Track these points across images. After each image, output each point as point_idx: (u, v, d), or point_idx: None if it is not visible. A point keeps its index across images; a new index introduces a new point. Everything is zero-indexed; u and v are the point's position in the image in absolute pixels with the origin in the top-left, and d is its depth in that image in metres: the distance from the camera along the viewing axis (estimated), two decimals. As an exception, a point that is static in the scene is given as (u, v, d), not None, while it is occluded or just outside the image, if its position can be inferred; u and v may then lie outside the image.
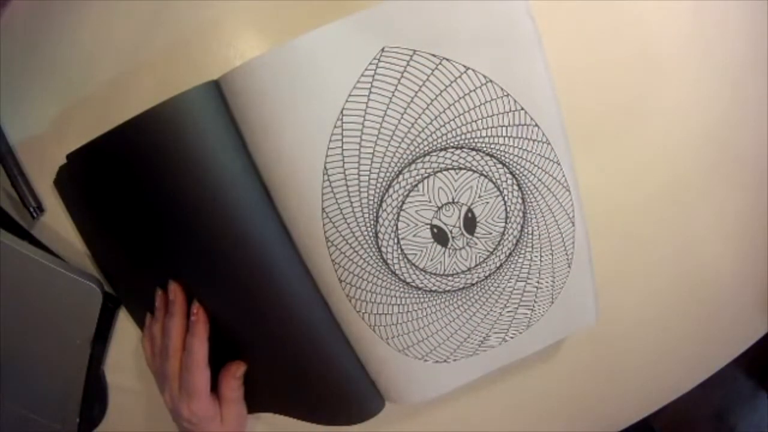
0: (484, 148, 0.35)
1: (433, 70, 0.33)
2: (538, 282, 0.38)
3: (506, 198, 0.36)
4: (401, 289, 0.37)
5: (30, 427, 0.43)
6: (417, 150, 0.34)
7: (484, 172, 0.35)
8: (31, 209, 0.40)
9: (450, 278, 0.37)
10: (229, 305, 0.38)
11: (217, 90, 0.34)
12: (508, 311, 0.39)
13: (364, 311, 0.37)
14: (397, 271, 0.36)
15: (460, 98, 0.34)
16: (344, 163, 0.34)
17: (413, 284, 0.37)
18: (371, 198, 0.35)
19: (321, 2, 0.37)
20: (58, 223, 0.42)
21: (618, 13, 0.40)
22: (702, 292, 0.46)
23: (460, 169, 0.35)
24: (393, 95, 0.33)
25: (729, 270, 0.47)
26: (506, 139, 0.35)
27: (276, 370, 0.40)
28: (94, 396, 0.45)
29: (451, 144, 0.34)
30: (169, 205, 0.36)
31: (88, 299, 0.41)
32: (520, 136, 0.35)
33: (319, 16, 0.36)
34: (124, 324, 0.44)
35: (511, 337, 0.39)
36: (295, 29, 0.36)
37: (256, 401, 0.43)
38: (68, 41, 0.39)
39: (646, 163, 0.43)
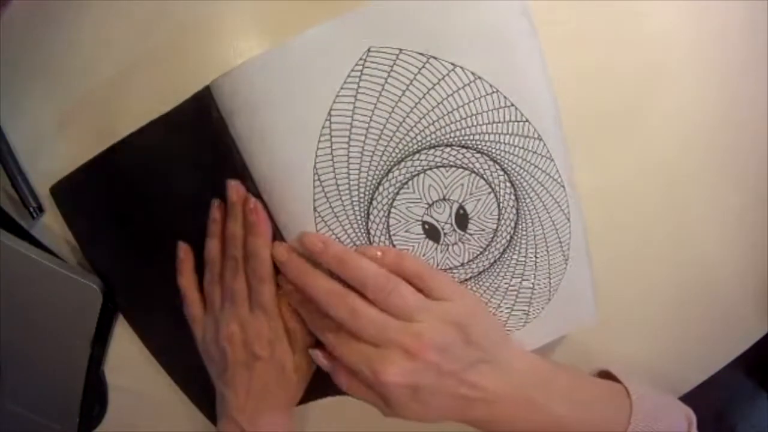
0: (474, 146, 0.35)
1: (420, 69, 0.33)
2: (534, 278, 0.38)
3: (498, 195, 0.36)
4: None
5: (30, 427, 0.43)
6: (406, 148, 0.34)
7: (474, 170, 0.35)
8: (31, 209, 0.40)
9: None
10: None
11: (206, 98, 0.35)
12: (506, 308, 0.39)
13: None
14: None
15: (448, 96, 0.34)
16: (333, 163, 0.34)
17: None
18: (362, 196, 0.35)
19: (320, 2, 0.37)
20: (58, 223, 0.42)
21: (617, 15, 0.40)
22: (702, 292, 0.46)
23: (450, 166, 0.35)
24: (380, 95, 0.33)
25: (729, 270, 0.47)
26: (496, 135, 0.35)
27: None
28: (94, 396, 0.45)
29: (441, 142, 0.34)
30: (163, 214, 0.38)
31: (88, 299, 0.41)
32: (510, 132, 0.35)
33: (318, 16, 0.36)
34: (124, 324, 0.44)
35: (508, 333, 0.39)
36: (295, 29, 0.36)
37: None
38: (68, 41, 0.39)
39: (645, 164, 0.43)
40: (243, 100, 0.33)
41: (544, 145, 0.35)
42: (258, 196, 0.36)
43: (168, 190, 0.38)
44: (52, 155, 0.39)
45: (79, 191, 0.39)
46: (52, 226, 0.42)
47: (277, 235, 0.36)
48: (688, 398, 0.47)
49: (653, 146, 0.42)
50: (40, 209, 0.41)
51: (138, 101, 0.38)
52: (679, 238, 0.45)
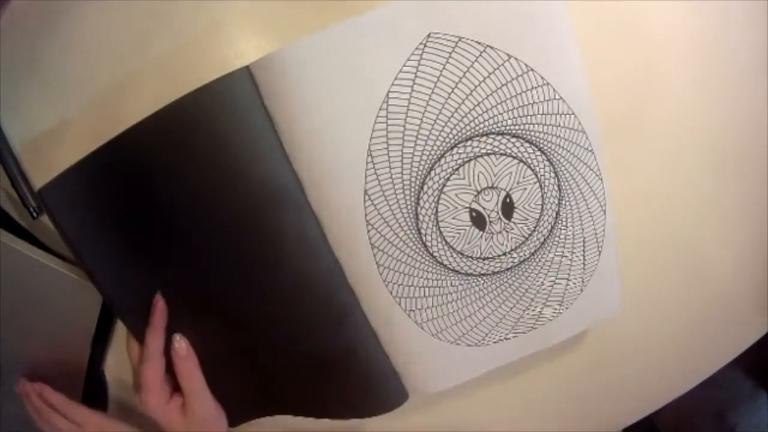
0: (524, 135, 0.36)
1: (477, 57, 0.34)
2: (570, 270, 0.39)
3: (543, 185, 0.37)
4: (438, 272, 0.38)
5: (30, 427, 0.43)
6: (459, 135, 0.35)
7: (523, 159, 0.36)
8: (31, 209, 0.40)
9: (486, 262, 0.38)
10: (249, 298, 0.38)
11: (247, 76, 0.34)
12: (541, 299, 0.40)
13: (399, 296, 0.38)
14: (435, 254, 0.37)
15: (502, 86, 0.35)
16: (388, 145, 0.34)
17: (450, 267, 0.38)
18: (413, 180, 0.35)
19: (322, 2, 0.37)
20: (58, 223, 0.41)
21: (619, 18, 0.40)
22: (702, 292, 0.47)
23: (501, 154, 0.36)
24: (438, 80, 0.34)
25: (729, 270, 0.47)
26: (545, 126, 0.36)
27: (297, 366, 0.41)
28: (94, 396, 0.45)
29: (493, 130, 0.35)
30: (195, 198, 0.36)
31: (88, 299, 0.41)
32: (557, 124, 0.36)
33: (320, 16, 0.36)
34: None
35: (541, 324, 0.40)
36: (296, 29, 0.36)
37: (273, 403, 0.43)
38: (68, 41, 0.39)
39: (647, 166, 0.43)
40: (293, 81, 0.33)
41: (587, 137, 0.37)
42: (297, 181, 0.35)
43: (183, 188, 0.36)
44: (52, 155, 0.39)
45: (76, 192, 0.37)
46: (52, 226, 0.42)
47: (315, 222, 0.36)
48: (688, 398, 0.48)
49: (653, 147, 0.43)
50: (41, 209, 0.41)
51: (138, 100, 0.38)
52: (679, 238, 0.45)
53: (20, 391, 0.42)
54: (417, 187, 0.36)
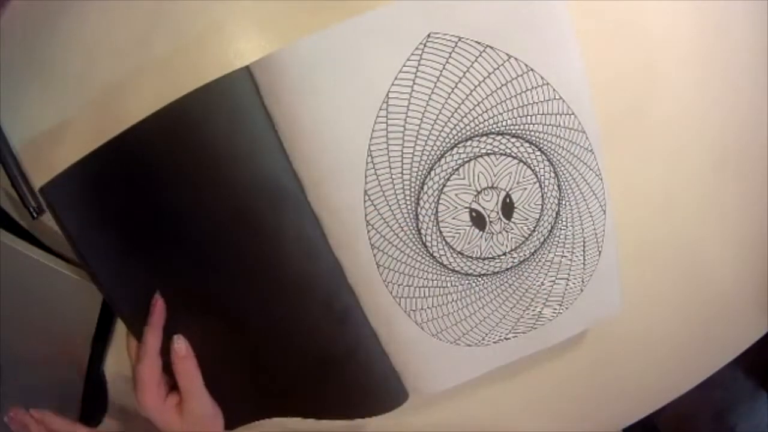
0: (524, 135, 0.36)
1: (477, 57, 0.34)
2: (570, 270, 0.39)
3: (543, 185, 0.37)
4: (438, 272, 0.38)
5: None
6: (459, 135, 0.35)
7: (523, 159, 0.36)
8: (31, 209, 0.40)
9: (486, 262, 0.38)
10: (249, 298, 0.38)
11: (247, 77, 0.34)
12: (541, 298, 0.40)
13: (400, 296, 0.38)
14: (435, 254, 0.37)
15: (502, 86, 0.35)
16: (388, 145, 0.34)
17: (450, 267, 0.38)
18: (413, 180, 0.36)
19: (322, 2, 0.37)
20: (58, 222, 0.41)
21: (619, 18, 0.40)
22: (703, 292, 0.47)
23: (501, 154, 0.36)
24: (438, 80, 0.34)
25: (729, 270, 0.47)
26: (545, 126, 0.36)
27: (297, 366, 0.41)
28: (94, 396, 0.45)
29: (493, 130, 0.35)
30: (195, 198, 0.36)
31: (88, 299, 0.41)
32: (557, 124, 0.36)
33: (320, 16, 0.36)
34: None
35: (541, 324, 0.40)
36: (296, 29, 0.36)
37: (273, 404, 0.43)
38: (68, 42, 0.39)
39: (647, 166, 0.43)
40: (292, 81, 0.33)
41: (586, 137, 0.37)
42: (297, 181, 0.35)
43: (182, 188, 0.36)
44: (52, 155, 0.39)
45: (77, 191, 0.37)
46: (52, 226, 0.42)
47: (315, 222, 0.36)
48: (688, 398, 0.48)
49: (653, 147, 0.42)
50: (40, 209, 0.41)
51: (138, 100, 0.38)
52: (679, 238, 0.45)
53: (12, 422, 0.40)
54: (417, 187, 0.36)
